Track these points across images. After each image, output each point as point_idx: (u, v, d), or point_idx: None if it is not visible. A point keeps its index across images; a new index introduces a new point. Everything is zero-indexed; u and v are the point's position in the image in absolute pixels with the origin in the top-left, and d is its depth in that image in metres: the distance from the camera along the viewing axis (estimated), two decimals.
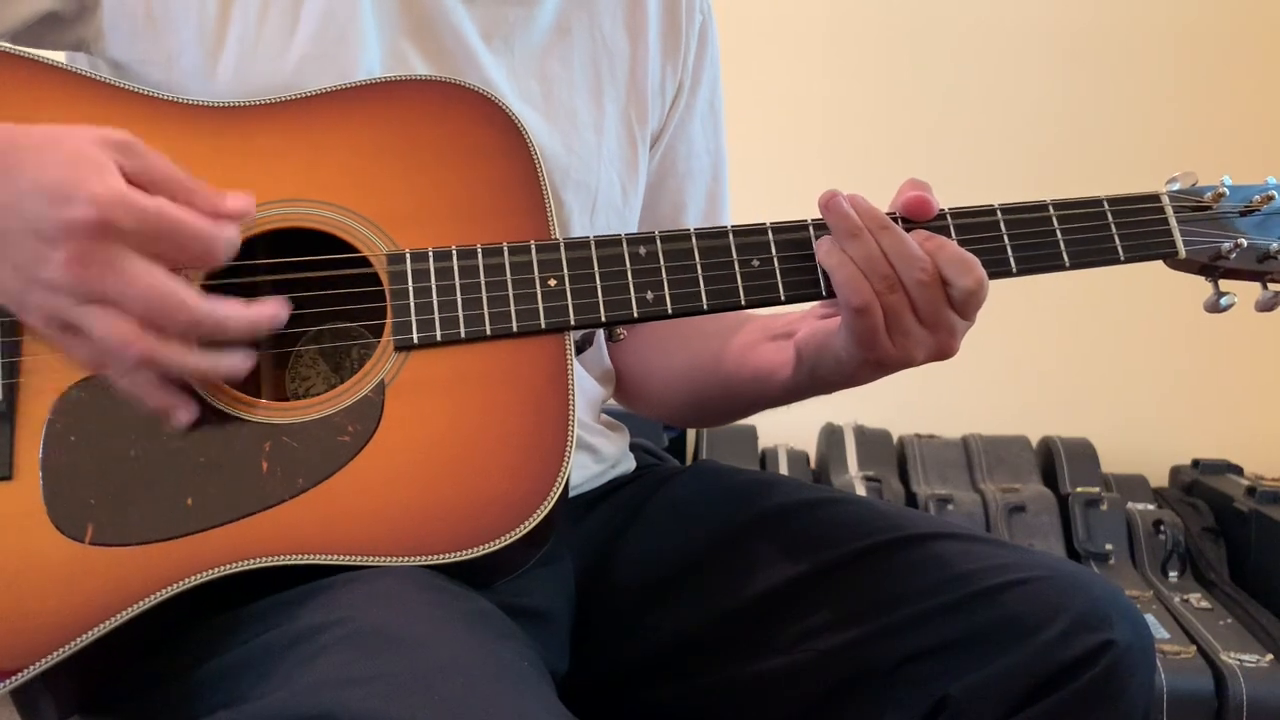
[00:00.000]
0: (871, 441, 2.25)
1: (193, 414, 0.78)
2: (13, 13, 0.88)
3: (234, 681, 0.72)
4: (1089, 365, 2.39)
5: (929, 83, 2.40)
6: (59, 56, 0.90)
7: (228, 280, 0.82)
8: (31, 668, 0.71)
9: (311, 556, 0.75)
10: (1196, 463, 2.27)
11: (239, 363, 0.77)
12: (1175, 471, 2.32)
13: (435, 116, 0.87)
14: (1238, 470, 2.22)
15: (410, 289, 0.82)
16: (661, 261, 0.86)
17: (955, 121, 2.39)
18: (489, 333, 0.82)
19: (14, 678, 0.71)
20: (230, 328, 0.75)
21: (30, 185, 0.71)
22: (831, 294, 0.85)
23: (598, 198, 1.01)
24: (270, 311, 0.77)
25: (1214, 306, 0.91)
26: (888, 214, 0.87)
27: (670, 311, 0.85)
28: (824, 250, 0.85)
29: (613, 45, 1.04)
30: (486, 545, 0.76)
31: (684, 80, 1.09)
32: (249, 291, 0.84)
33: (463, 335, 0.82)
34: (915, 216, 0.87)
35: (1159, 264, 0.92)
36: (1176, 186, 0.92)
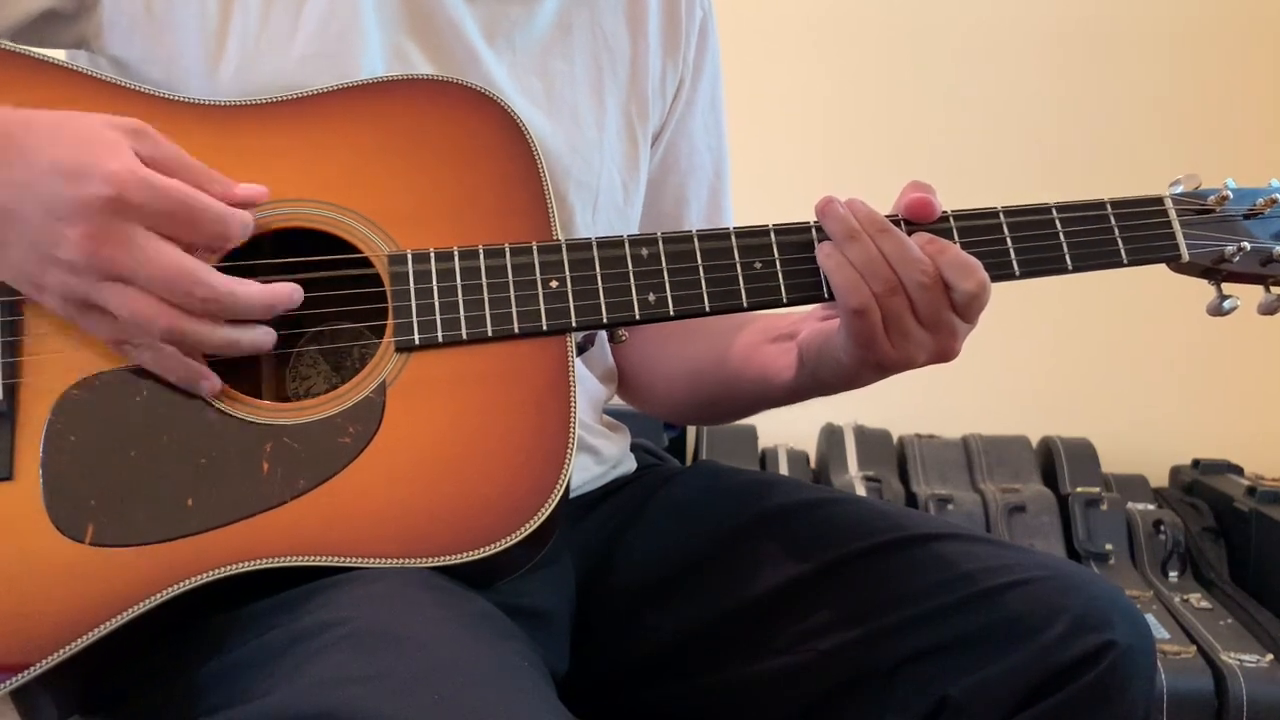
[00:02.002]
0: (871, 441, 2.25)
1: (217, 385, 0.78)
2: (12, 10, 0.88)
3: (234, 681, 0.72)
4: (1089, 365, 2.39)
5: (932, 84, 2.40)
6: (59, 54, 0.90)
7: None
8: (32, 668, 0.71)
9: (312, 558, 0.75)
10: (1196, 463, 2.26)
11: (261, 338, 0.78)
12: (1175, 471, 2.32)
13: (437, 116, 0.87)
14: (1238, 470, 2.22)
15: (412, 289, 0.82)
16: (664, 263, 0.86)
17: (958, 123, 2.39)
18: (490, 334, 0.82)
19: (15, 678, 0.71)
20: (247, 304, 0.76)
21: (46, 165, 0.72)
22: (833, 296, 0.85)
23: (599, 196, 1.01)
24: (286, 291, 0.78)
25: (1217, 310, 0.91)
26: (890, 216, 0.87)
27: (672, 313, 0.85)
28: (824, 253, 0.85)
29: (614, 42, 1.04)
30: (488, 547, 0.76)
31: (684, 76, 1.09)
32: None
33: (464, 336, 0.82)
34: (918, 218, 0.87)
35: (1161, 266, 0.92)
36: (1180, 189, 0.92)
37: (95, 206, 0.71)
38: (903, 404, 2.21)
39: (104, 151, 0.72)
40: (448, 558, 0.76)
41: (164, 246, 0.73)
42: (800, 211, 0.89)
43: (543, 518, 0.77)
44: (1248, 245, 0.89)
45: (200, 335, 0.76)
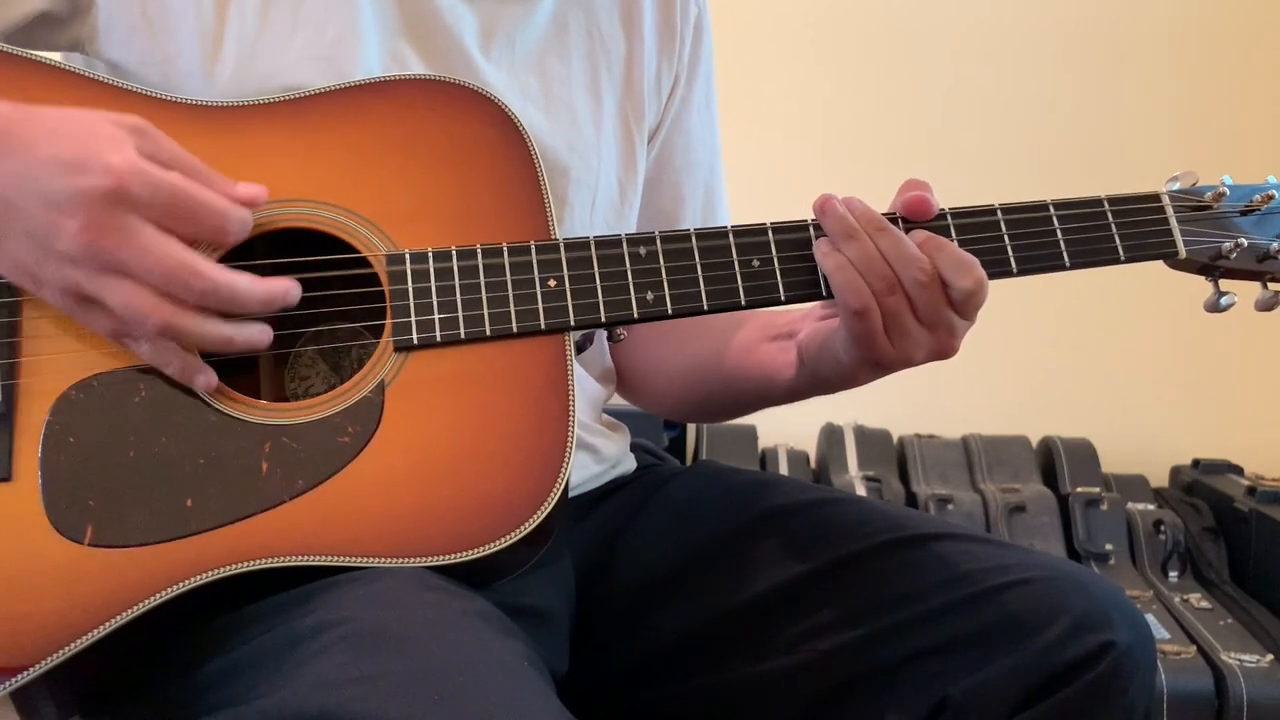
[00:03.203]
0: (871, 441, 2.25)
1: (214, 381, 0.78)
2: (6, 13, 0.88)
3: (234, 682, 0.72)
4: (1089, 365, 2.39)
5: (930, 82, 2.40)
6: (55, 57, 0.90)
7: None
8: (32, 669, 0.71)
9: (311, 558, 0.75)
10: (1196, 463, 2.26)
11: (257, 335, 0.78)
12: (1175, 471, 2.32)
13: (435, 116, 0.87)
14: (1238, 470, 2.22)
15: (410, 289, 0.82)
16: (661, 262, 0.86)
17: (956, 121, 2.39)
18: (489, 333, 0.82)
19: (14, 679, 0.71)
20: (245, 297, 0.76)
21: (45, 157, 0.72)
22: (832, 294, 0.85)
23: (597, 195, 1.01)
24: (284, 286, 0.78)
25: (1214, 306, 0.91)
26: (887, 214, 0.87)
27: (670, 312, 0.85)
28: (822, 252, 0.85)
29: (609, 42, 1.04)
30: (487, 546, 0.76)
31: (680, 73, 1.09)
32: None
33: (462, 336, 0.82)
34: (915, 216, 0.87)
35: (1159, 264, 0.92)
36: (1177, 186, 0.92)
37: (94, 198, 0.71)
38: (903, 404, 2.21)
39: (105, 145, 0.72)
40: (447, 557, 0.76)
41: (162, 239, 0.73)
42: (798, 210, 0.89)
43: (541, 516, 0.77)
44: (1244, 241, 0.89)
45: (196, 330, 0.75)
